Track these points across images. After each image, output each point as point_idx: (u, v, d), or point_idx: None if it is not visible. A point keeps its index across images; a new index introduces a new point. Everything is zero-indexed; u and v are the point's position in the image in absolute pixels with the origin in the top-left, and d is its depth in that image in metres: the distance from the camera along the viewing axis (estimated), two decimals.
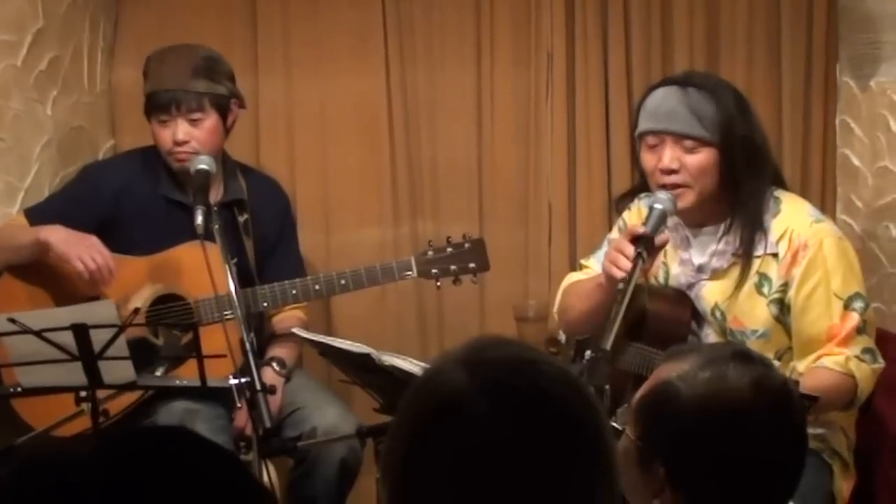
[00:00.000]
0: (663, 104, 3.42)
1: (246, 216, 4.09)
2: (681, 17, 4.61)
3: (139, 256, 3.98)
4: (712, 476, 2.05)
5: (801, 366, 3.38)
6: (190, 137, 3.97)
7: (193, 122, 3.97)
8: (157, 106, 3.99)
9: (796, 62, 4.58)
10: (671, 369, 2.14)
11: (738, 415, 2.07)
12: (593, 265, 3.72)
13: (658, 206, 3.40)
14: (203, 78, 3.98)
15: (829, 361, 3.35)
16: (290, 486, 4.01)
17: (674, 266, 3.57)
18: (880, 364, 3.43)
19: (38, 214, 3.99)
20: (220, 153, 4.06)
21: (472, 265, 3.99)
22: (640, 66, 4.62)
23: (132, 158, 4.20)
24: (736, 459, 2.05)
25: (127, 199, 4.05)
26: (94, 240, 3.88)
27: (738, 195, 3.42)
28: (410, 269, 3.97)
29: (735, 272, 3.46)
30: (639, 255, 3.30)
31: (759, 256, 3.44)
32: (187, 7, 4.68)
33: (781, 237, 3.41)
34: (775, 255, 3.42)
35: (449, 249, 3.98)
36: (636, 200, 3.70)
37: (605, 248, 3.73)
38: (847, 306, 3.39)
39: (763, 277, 3.44)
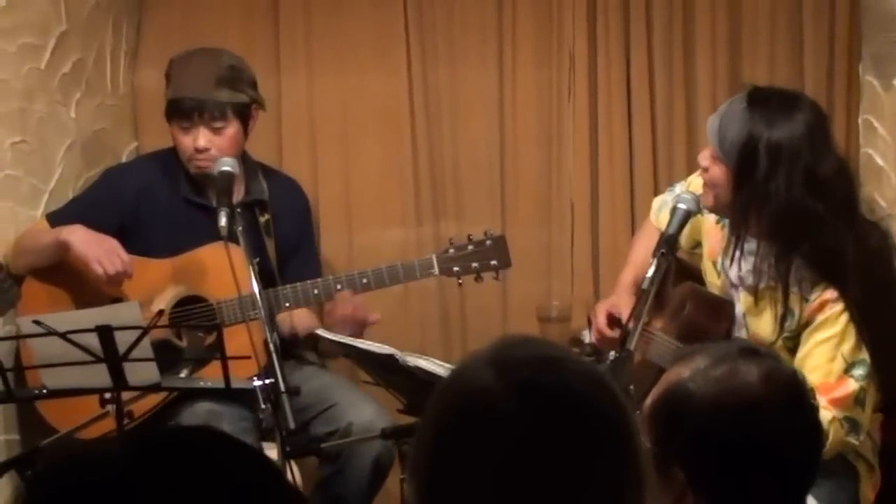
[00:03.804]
0: (722, 105, 3.44)
1: (267, 216, 4.10)
2: (703, 17, 4.59)
3: (162, 258, 4.00)
4: (732, 474, 2.05)
5: None
6: (211, 145, 3.98)
7: (215, 130, 3.98)
8: (180, 112, 4.00)
9: (819, 61, 4.56)
10: (680, 371, 2.13)
11: (752, 409, 2.07)
12: (663, 222, 3.67)
13: (682, 206, 3.45)
14: (226, 87, 3.99)
15: None
16: (321, 483, 4.00)
17: (726, 260, 3.56)
18: (858, 441, 3.40)
19: (59, 219, 4.01)
20: (241, 156, 4.06)
21: (493, 262, 3.99)
22: (663, 65, 4.61)
23: (152, 161, 4.21)
24: (754, 454, 2.05)
25: (148, 202, 4.06)
26: (113, 242, 3.89)
27: (740, 228, 3.39)
28: (432, 268, 3.97)
29: (766, 295, 3.44)
30: (663, 255, 3.32)
31: (794, 292, 3.41)
32: (210, 9, 4.69)
33: (818, 284, 3.37)
34: (806, 299, 3.39)
35: (470, 247, 3.98)
36: None
37: (677, 189, 3.73)
38: (847, 370, 3.35)
39: (789, 311, 3.41)
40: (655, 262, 3.34)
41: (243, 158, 4.09)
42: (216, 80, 3.98)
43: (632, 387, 3.18)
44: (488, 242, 3.99)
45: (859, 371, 3.36)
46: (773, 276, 3.39)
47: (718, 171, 3.38)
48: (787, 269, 3.35)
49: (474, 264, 3.98)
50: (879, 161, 4.37)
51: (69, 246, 3.87)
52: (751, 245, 3.45)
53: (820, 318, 3.36)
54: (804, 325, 3.39)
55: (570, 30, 4.62)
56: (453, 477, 1.52)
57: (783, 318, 3.40)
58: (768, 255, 3.37)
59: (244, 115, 4.03)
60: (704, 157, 3.42)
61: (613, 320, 3.73)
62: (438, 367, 3.16)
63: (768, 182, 3.30)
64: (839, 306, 3.34)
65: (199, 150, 3.98)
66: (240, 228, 3.64)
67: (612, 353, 3.26)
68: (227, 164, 3.85)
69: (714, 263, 3.62)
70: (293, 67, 4.70)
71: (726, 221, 3.56)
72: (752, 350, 2.17)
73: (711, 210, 3.49)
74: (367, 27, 4.69)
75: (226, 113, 3.99)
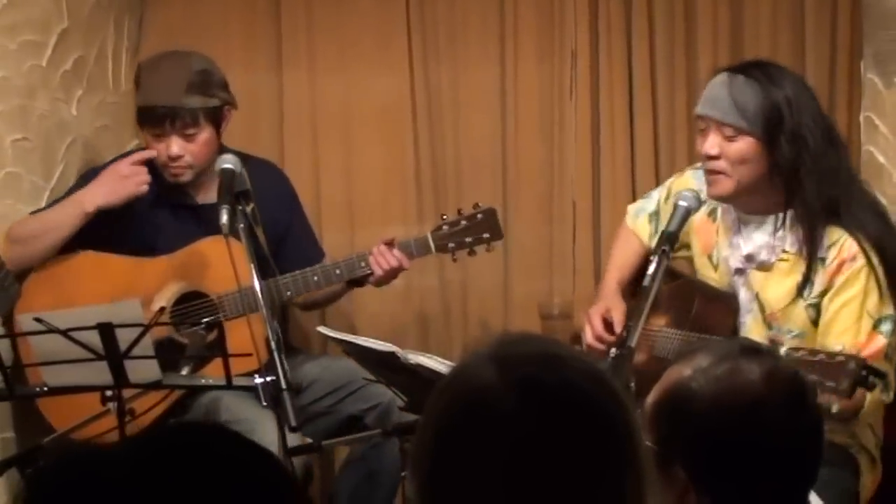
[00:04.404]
0: (712, 89, 3.43)
1: (252, 205, 4.09)
2: (705, 13, 4.60)
3: (159, 256, 3.99)
4: (735, 473, 2.05)
5: None
6: (184, 152, 3.98)
7: (188, 137, 3.98)
8: (151, 120, 4.00)
9: (820, 59, 4.56)
10: (682, 370, 2.13)
11: (754, 407, 2.07)
12: (641, 228, 3.75)
13: (682, 203, 3.43)
14: (197, 93, 3.98)
15: None
16: (358, 459, 4.04)
17: (724, 248, 3.56)
18: (889, 397, 3.40)
19: None
20: (217, 150, 4.05)
21: (486, 235, 4.06)
22: (664, 62, 4.61)
23: None
24: (756, 453, 2.05)
25: (130, 207, 4.03)
26: (120, 166, 3.97)
27: (794, 191, 3.39)
28: (428, 246, 4.03)
29: (782, 268, 3.44)
30: (664, 252, 3.32)
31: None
32: (211, 6, 4.70)
33: (833, 244, 3.39)
34: (822, 260, 3.39)
35: (463, 222, 4.04)
36: (689, 169, 3.71)
37: (655, 196, 3.78)
38: (876, 327, 3.36)
39: (806, 279, 3.42)
40: (657, 259, 3.33)
41: (220, 151, 4.08)
42: (187, 85, 3.97)
43: (632, 384, 3.18)
44: (479, 216, 4.06)
45: (887, 326, 3.37)
46: (800, 244, 3.39)
47: (742, 146, 3.38)
48: (817, 218, 3.37)
49: (468, 239, 4.05)
50: (881, 159, 4.36)
51: (97, 207, 3.92)
52: (752, 220, 3.47)
53: (840, 279, 3.37)
54: (824, 291, 3.39)
55: (572, 26, 4.62)
56: (454, 475, 1.52)
57: (803, 284, 3.40)
58: (808, 216, 3.39)
59: (216, 118, 4.04)
60: (714, 145, 3.40)
61: (608, 325, 3.74)
62: (440, 364, 3.16)
63: (800, 129, 3.35)
64: (858, 263, 3.35)
65: (172, 158, 3.98)
66: (241, 226, 3.64)
67: (613, 351, 3.26)
68: (229, 162, 3.83)
69: (710, 257, 3.62)
70: (295, 64, 4.70)
71: (719, 213, 3.57)
72: (753, 349, 2.18)
73: (729, 197, 3.47)
74: (368, 23, 4.70)
75: (198, 119, 3.98)
